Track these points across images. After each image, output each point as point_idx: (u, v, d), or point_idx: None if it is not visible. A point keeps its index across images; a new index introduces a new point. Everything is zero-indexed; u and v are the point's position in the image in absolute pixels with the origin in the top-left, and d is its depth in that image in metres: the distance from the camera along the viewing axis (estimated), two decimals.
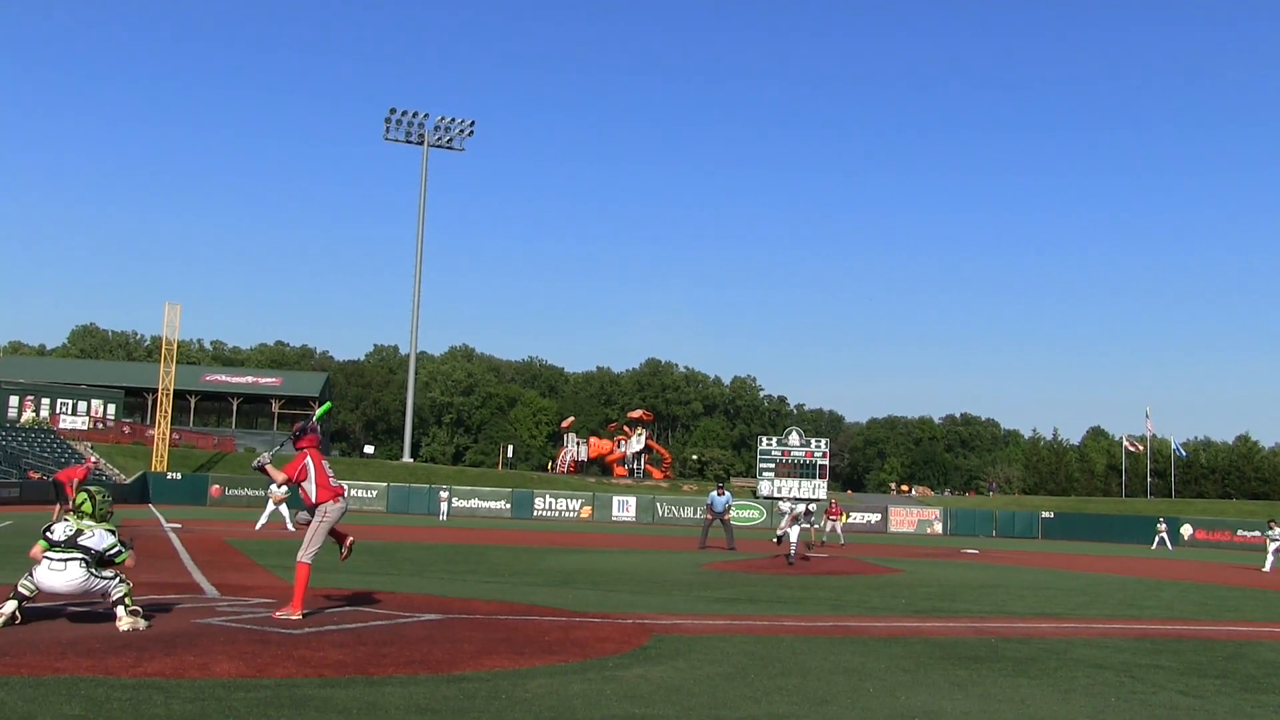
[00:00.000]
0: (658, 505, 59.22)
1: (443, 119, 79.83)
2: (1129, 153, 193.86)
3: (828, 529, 34.56)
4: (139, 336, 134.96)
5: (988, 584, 18.57)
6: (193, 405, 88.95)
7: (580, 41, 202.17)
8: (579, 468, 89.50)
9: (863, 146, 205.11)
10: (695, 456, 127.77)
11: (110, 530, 9.18)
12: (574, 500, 58.81)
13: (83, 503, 9.31)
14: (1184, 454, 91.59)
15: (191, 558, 17.41)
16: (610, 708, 6.34)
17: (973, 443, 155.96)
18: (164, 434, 61.85)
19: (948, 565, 24.74)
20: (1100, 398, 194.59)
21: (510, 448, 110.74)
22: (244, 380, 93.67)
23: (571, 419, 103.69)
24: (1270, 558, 28.82)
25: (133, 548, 9.50)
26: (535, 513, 56.76)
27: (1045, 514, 61.42)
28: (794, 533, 22.02)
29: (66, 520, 9.13)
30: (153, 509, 41.39)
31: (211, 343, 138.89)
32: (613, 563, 20.45)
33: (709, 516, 28.75)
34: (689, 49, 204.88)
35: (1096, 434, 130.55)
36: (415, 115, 79.25)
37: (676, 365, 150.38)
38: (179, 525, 28.51)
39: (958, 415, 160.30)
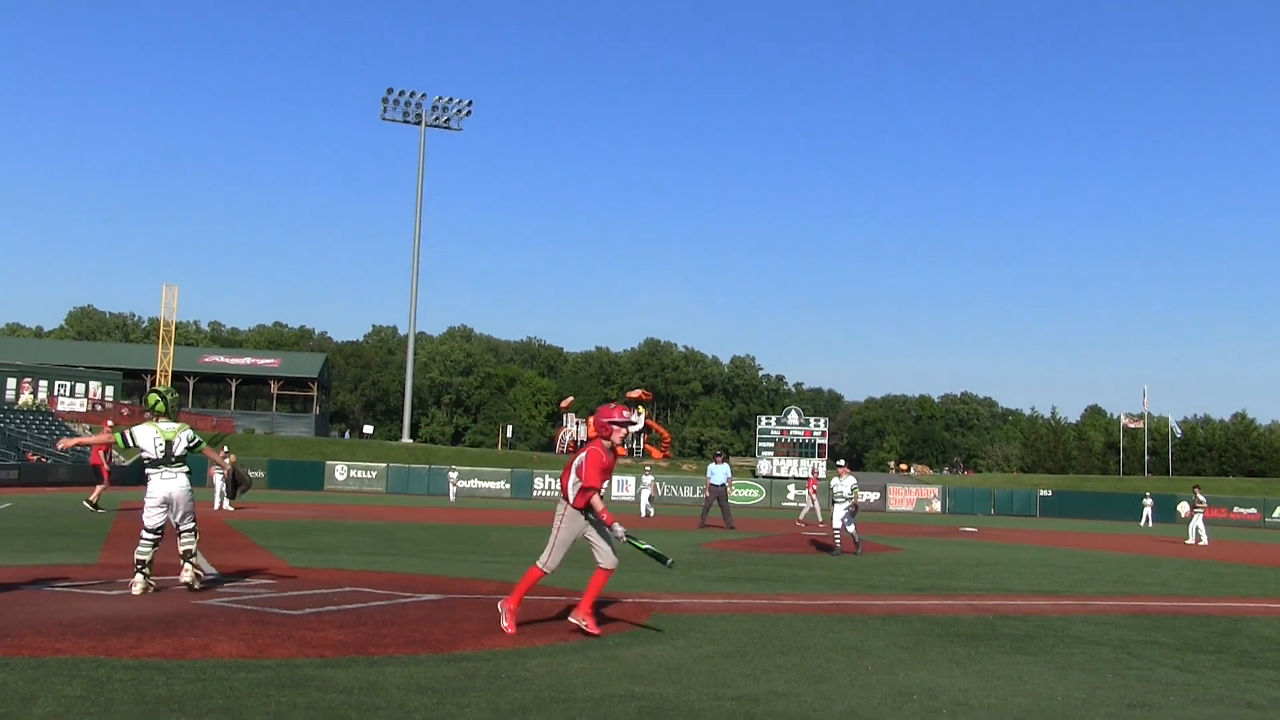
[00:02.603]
0: (657, 485, 59.24)
1: (440, 99, 79.63)
2: (1127, 132, 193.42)
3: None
4: (137, 318, 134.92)
5: (986, 562, 18.62)
6: (191, 386, 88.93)
7: (576, 23, 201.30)
8: (578, 447, 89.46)
9: (861, 125, 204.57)
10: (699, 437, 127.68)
11: (186, 427, 9.87)
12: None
13: (155, 403, 9.74)
14: (1180, 433, 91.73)
15: None
16: (610, 686, 6.37)
17: (971, 421, 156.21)
18: None
19: (946, 543, 24.81)
20: (1098, 377, 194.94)
21: (510, 428, 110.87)
22: (243, 361, 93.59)
23: (571, 399, 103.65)
24: (1195, 529, 27.66)
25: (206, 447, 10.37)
26: (535, 493, 56.84)
27: (1043, 492, 61.54)
28: (840, 517, 19.81)
29: (147, 429, 9.61)
30: None
31: (210, 324, 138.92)
32: None
33: (709, 494, 28.78)
34: (684, 27, 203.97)
35: (1094, 413, 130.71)
36: (413, 95, 79.00)
37: (675, 345, 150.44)
38: None
39: (957, 394, 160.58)
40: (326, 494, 49.58)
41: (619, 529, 8.20)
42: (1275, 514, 51.59)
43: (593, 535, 8.38)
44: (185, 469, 9.77)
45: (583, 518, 8.34)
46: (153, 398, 9.83)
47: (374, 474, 56.90)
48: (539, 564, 8.32)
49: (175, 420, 9.89)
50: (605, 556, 8.33)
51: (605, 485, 8.41)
